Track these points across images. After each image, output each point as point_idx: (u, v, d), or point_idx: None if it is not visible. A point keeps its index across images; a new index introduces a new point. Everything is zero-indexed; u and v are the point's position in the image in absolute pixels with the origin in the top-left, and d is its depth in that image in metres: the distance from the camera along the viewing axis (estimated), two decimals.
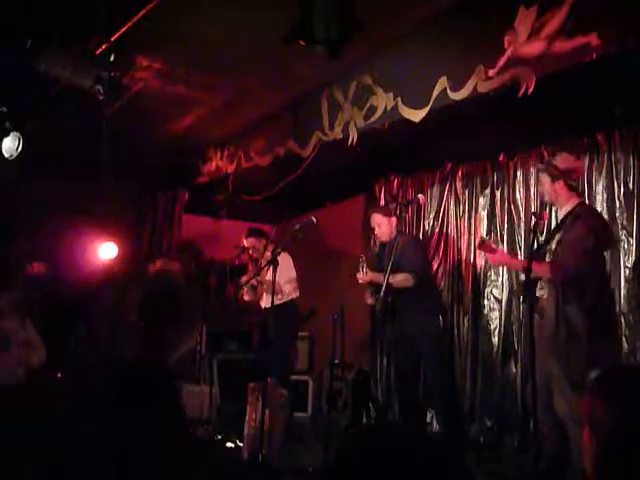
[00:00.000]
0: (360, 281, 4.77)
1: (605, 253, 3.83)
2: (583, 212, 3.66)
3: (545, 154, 4.80)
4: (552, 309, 3.50)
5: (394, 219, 4.83)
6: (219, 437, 5.07)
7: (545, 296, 3.61)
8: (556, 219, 4.15)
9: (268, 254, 5.18)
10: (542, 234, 4.10)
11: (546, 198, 3.90)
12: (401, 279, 4.61)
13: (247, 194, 6.36)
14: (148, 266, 5.45)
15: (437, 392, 4.85)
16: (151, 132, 5.72)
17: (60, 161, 5.55)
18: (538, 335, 3.63)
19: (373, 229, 4.95)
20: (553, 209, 4.29)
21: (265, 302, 5.61)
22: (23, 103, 4.44)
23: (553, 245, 3.67)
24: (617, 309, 4.21)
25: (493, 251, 3.83)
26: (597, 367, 4.00)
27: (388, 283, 4.27)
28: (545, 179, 3.81)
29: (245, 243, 5.68)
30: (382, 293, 4.31)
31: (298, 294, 5.58)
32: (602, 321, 3.55)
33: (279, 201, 6.54)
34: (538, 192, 4.54)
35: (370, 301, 4.81)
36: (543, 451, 3.66)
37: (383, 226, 4.81)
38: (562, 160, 3.80)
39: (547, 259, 3.70)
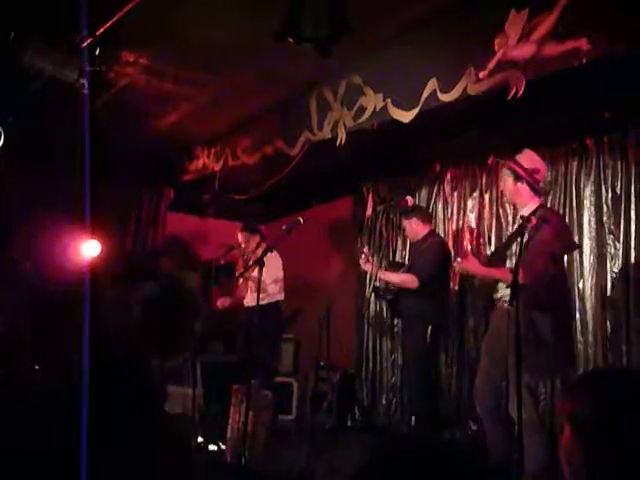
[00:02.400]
0: (362, 265, 4.89)
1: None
2: (549, 215, 3.65)
3: None
4: (514, 313, 3.47)
5: (416, 221, 4.98)
6: (202, 440, 5.05)
7: (504, 300, 3.60)
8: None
9: (259, 252, 5.20)
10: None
11: (507, 197, 3.90)
12: (404, 279, 4.78)
13: (234, 193, 6.34)
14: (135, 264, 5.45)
15: (413, 397, 4.89)
16: (136, 128, 5.68)
17: (42, 157, 5.51)
18: (492, 339, 3.66)
19: (404, 229, 5.21)
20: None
21: (249, 300, 5.62)
22: (5, 97, 4.41)
23: (514, 248, 3.65)
24: (607, 314, 4.25)
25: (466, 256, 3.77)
26: (559, 373, 4.07)
27: (383, 278, 4.60)
28: (508, 178, 3.79)
29: (239, 237, 5.72)
30: (369, 287, 4.41)
31: (283, 296, 5.58)
32: (565, 327, 3.57)
33: (266, 201, 6.52)
34: (500, 190, 4.56)
35: (367, 267, 4.88)
36: (490, 454, 3.69)
37: (407, 227, 5.06)
38: (526, 158, 3.78)
39: (507, 264, 3.71)
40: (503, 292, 3.65)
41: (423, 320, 4.70)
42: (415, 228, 4.99)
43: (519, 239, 3.59)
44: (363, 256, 4.88)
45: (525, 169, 3.72)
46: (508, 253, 3.74)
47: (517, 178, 3.73)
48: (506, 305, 3.58)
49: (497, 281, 3.68)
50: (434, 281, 4.74)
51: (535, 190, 3.75)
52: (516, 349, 3.04)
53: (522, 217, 3.70)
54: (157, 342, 1.98)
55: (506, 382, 3.49)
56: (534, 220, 3.44)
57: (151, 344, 1.95)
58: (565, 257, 4.47)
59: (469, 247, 3.68)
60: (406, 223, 5.07)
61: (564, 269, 3.85)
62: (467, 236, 5.34)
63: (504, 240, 3.88)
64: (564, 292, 3.71)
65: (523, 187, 3.73)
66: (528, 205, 3.73)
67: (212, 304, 6.14)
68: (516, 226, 3.80)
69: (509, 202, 4.02)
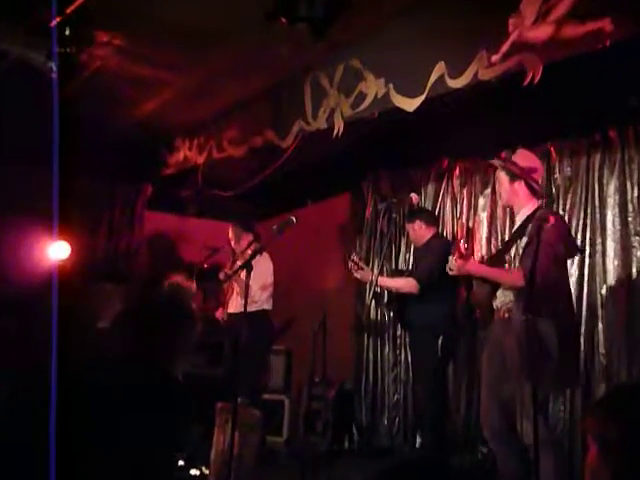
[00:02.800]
0: (354, 271, 4.91)
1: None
2: (545, 216, 3.68)
3: (552, 151, 4.84)
4: (519, 323, 3.47)
5: (420, 224, 5.01)
6: (182, 463, 5.03)
7: (507, 308, 3.63)
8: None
9: (249, 252, 5.20)
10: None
11: (503, 199, 3.95)
12: (401, 284, 4.85)
13: (219, 189, 6.34)
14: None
15: (426, 419, 4.89)
16: (111, 117, 5.68)
17: (6, 147, 5.50)
18: (495, 351, 3.68)
19: (408, 233, 5.30)
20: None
21: (233, 306, 5.61)
22: None
23: (514, 252, 3.69)
24: (634, 323, 4.28)
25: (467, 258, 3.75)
26: (566, 386, 4.10)
27: (379, 284, 4.65)
28: (503, 177, 3.83)
29: (229, 232, 5.75)
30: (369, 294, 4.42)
31: (270, 306, 5.58)
32: (571, 335, 3.61)
33: (255, 198, 6.52)
34: (496, 191, 4.59)
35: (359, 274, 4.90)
36: None
37: (411, 231, 5.10)
38: (522, 157, 3.83)
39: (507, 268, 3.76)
40: (503, 299, 3.67)
41: (433, 331, 4.72)
42: (419, 232, 5.02)
43: (519, 241, 3.63)
44: (351, 264, 4.86)
45: (522, 168, 3.76)
46: (507, 257, 3.77)
47: (514, 177, 3.78)
48: (507, 314, 3.63)
49: (495, 287, 3.70)
50: (440, 287, 4.74)
51: (534, 190, 3.79)
52: (528, 360, 3.05)
53: (538, 217, 3.72)
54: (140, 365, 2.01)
55: (516, 397, 3.52)
56: (551, 219, 3.47)
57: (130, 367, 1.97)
58: (587, 263, 4.51)
59: (465, 245, 3.68)
60: (409, 227, 5.11)
61: (567, 274, 3.91)
62: (477, 235, 5.35)
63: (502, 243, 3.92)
64: (568, 298, 3.75)
65: (521, 187, 3.77)
66: (526, 207, 3.77)
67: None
68: (515, 227, 3.83)
69: (505, 205, 4.08)
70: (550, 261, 3.48)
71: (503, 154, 3.85)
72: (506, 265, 3.78)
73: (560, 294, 3.62)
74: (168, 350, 2.13)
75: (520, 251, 3.72)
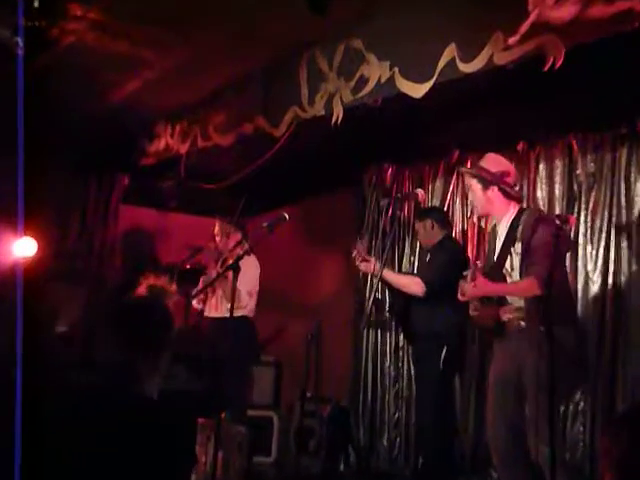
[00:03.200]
0: (357, 262, 4.93)
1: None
2: (540, 215, 3.80)
3: (574, 144, 4.85)
4: (536, 332, 3.51)
5: (431, 223, 5.04)
6: None
7: (519, 318, 3.68)
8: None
9: (237, 253, 5.19)
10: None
11: (478, 210, 4.03)
12: (406, 281, 4.89)
13: (203, 181, 6.33)
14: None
15: (428, 440, 4.90)
16: (84, 99, 5.65)
17: None
18: (506, 366, 3.70)
19: (416, 232, 5.35)
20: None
21: (215, 310, 5.60)
22: None
23: (514, 262, 3.74)
24: None
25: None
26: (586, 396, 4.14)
27: (385, 279, 4.76)
28: (475, 186, 3.94)
29: (216, 228, 5.77)
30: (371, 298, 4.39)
31: (253, 313, 5.58)
32: (585, 341, 3.66)
33: (243, 192, 6.51)
34: (469, 202, 4.66)
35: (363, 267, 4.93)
36: None
37: (421, 230, 5.14)
38: (490, 162, 3.94)
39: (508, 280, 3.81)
40: (513, 310, 3.71)
41: (438, 341, 4.74)
42: (430, 232, 5.05)
43: (512, 249, 3.67)
44: (355, 253, 4.89)
45: (493, 173, 3.85)
46: (505, 270, 3.80)
47: (486, 185, 3.88)
48: (521, 324, 3.68)
49: (501, 303, 3.74)
50: (448, 293, 4.74)
51: (509, 196, 3.88)
52: (549, 371, 3.10)
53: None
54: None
55: (531, 417, 3.54)
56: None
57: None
58: (612, 269, 4.52)
59: (480, 267, 3.78)
60: (420, 226, 5.14)
61: (567, 273, 4.02)
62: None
63: (496, 255, 3.94)
64: (573, 299, 3.87)
65: (495, 194, 3.88)
66: (506, 214, 3.87)
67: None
68: (503, 238, 3.87)
69: (482, 215, 4.15)
70: (556, 263, 3.54)
71: (468, 162, 3.93)
72: (507, 277, 3.81)
73: (567, 295, 3.74)
74: (146, 364, 2.11)
75: (515, 259, 3.76)
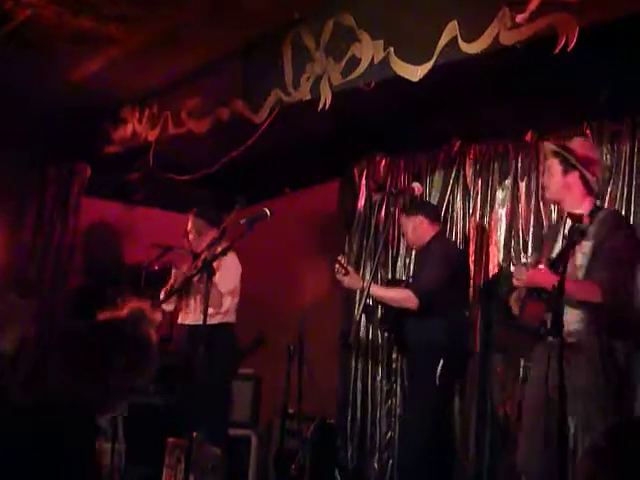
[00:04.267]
0: (341, 281, 4.93)
1: None
2: (616, 219, 3.78)
3: (589, 134, 4.85)
4: (595, 345, 3.53)
5: (419, 219, 5.01)
6: None
7: (572, 329, 3.60)
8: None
9: (212, 252, 5.18)
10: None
11: (550, 191, 3.96)
12: (397, 296, 4.86)
13: (174, 172, 6.31)
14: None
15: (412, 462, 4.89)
16: (42, 80, 5.64)
17: None
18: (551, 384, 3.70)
19: (404, 233, 5.33)
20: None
21: (190, 318, 5.58)
22: None
23: (579, 261, 3.68)
24: None
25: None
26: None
27: (370, 294, 4.67)
28: (556, 167, 3.86)
29: (189, 225, 5.75)
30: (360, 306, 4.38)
31: (234, 318, 5.56)
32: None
33: (220, 184, 6.50)
34: (539, 184, 4.61)
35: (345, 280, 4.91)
36: None
37: (410, 228, 5.10)
38: (579, 145, 3.88)
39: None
40: (567, 318, 3.59)
41: (432, 353, 4.73)
42: (420, 229, 5.03)
43: (578, 248, 3.64)
44: (337, 267, 4.86)
45: (580, 157, 3.78)
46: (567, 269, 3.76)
47: (569, 168, 3.80)
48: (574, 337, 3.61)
49: (549, 305, 3.66)
50: (443, 299, 4.75)
51: (589, 187, 3.82)
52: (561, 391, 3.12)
53: (570, 215, 3.73)
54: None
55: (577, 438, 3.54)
56: (586, 218, 3.49)
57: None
58: None
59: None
60: (408, 222, 5.10)
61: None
62: (493, 237, 5.36)
63: (556, 246, 3.91)
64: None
65: (575, 180, 3.81)
66: (580, 205, 3.80)
67: None
68: (567, 229, 3.83)
69: (552, 200, 4.09)
70: (622, 271, 3.56)
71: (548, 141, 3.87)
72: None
73: (633, 309, 3.69)
74: (110, 396, 2.09)
75: (579, 258, 3.70)
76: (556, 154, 3.87)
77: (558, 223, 4.14)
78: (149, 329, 2.27)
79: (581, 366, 3.55)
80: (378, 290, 5.01)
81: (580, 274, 3.70)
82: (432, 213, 5.14)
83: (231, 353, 5.62)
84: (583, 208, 3.77)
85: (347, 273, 4.86)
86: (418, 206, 5.15)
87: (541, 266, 3.72)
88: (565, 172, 3.82)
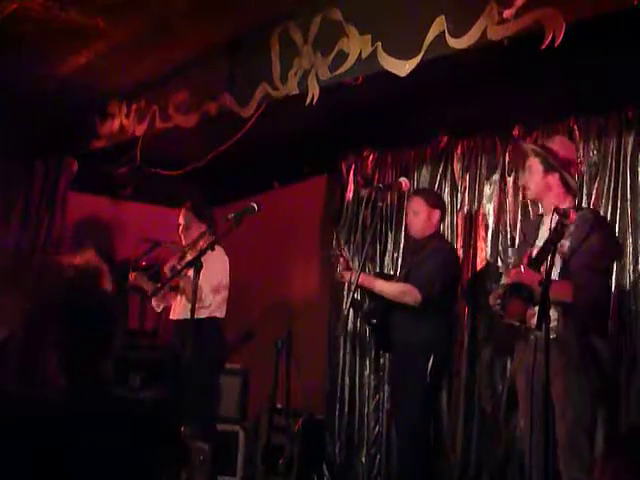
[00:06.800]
0: (340, 272, 4.96)
1: None
2: (595, 219, 3.79)
3: (576, 129, 4.87)
4: (574, 342, 3.57)
5: (437, 214, 4.95)
6: None
7: (556, 325, 3.67)
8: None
9: (200, 246, 5.18)
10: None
11: (531, 192, 4.02)
12: (403, 289, 4.80)
13: (162, 167, 6.30)
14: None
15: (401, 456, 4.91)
16: (28, 74, 5.61)
17: None
18: (538, 378, 3.71)
19: (407, 215, 5.20)
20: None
21: (177, 312, 5.58)
22: None
23: (556, 260, 3.71)
24: None
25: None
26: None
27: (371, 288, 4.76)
28: (536, 167, 3.92)
29: (180, 218, 5.76)
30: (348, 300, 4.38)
31: (224, 313, 5.56)
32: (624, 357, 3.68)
33: (207, 179, 6.49)
34: (521, 182, 4.65)
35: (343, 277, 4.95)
36: None
37: (420, 216, 4.94)
38: (559, 146, 3.93)
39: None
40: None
41: (422, 349, 4.73)
42: (430, 223, 4.93)
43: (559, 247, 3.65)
44: (342, 260, 4.86)
45: (561, 159, 3.84)
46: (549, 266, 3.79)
47: (549, 168, 3.86)
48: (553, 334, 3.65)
49: (527, 303, 3.69)
50: (439, 301, 4.76)
51: (569, 187, 3.89)
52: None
53: (556, 210, 3.74)
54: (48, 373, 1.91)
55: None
56: (573, 215, 3.50)
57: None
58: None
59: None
60: (421, 210, 4.95)
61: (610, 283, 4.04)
62: (480, 232, 5.37)
63: (539, 242, 3.92)
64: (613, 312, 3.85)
65: (555, 181, 3.87)
66: (563, 205, 3.81)
67: (128, 320, 6.09)
68: (553, 224, 3.84)
69: (533, 199, 4.15)
70: (598, 274, 3.62)
71: (527, 140, 3.90)
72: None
73: (609, 308, 3.80)
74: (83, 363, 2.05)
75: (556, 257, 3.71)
76: (537, 154, 3.92)
77: (537, 218, 4.15)
78: (101, 281, 2.22)
79: (558, 363, 3.56)
80: (381, 285, 4.94)
81: (555, 273, 3.73)
82: (444, 212, 5.12)
83: (218, 347, 5.62)
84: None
85: (349, 268, 4.85)
86: (438, 199, 5.09)
87: (522, 267, 3.73)
88: (545, 172, 3.89)
